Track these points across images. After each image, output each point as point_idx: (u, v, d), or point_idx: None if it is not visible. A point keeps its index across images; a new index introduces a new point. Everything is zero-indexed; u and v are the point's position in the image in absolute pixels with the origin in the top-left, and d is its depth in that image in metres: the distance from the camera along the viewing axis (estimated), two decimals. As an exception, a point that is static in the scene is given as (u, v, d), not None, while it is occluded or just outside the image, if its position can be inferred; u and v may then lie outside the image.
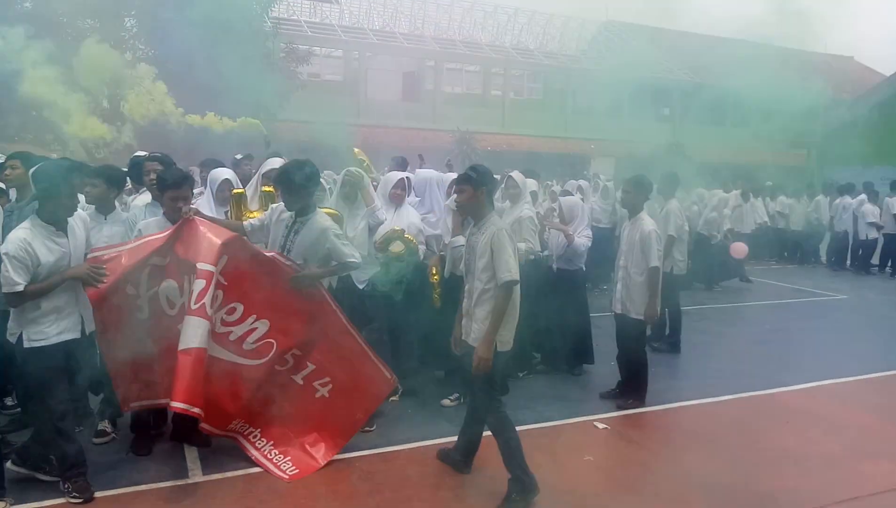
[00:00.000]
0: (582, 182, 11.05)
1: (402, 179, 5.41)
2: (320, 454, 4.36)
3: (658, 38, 33.17)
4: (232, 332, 4.22)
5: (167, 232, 4.10)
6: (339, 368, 4.40)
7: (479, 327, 3.92)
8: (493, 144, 24.98)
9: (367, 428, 4.75)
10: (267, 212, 4.68)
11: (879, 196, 14.48)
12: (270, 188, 4.68)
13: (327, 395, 4.40)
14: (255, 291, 4.24)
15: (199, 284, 3.94)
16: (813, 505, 4.10)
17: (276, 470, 4.23)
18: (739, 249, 10.97)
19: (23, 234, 3.62)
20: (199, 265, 3.98)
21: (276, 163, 4.95)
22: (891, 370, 6.85)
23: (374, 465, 4.41)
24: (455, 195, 5.22)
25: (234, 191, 4.73)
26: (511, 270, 3.82)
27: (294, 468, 4.26)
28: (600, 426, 5.20)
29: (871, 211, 13.88)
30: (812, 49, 29.93)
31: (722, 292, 11.48)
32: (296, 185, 4.28)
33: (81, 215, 4.06)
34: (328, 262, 4.42)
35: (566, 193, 8.38)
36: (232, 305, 4.20)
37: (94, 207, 4.57)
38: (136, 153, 6.15)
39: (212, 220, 4.36)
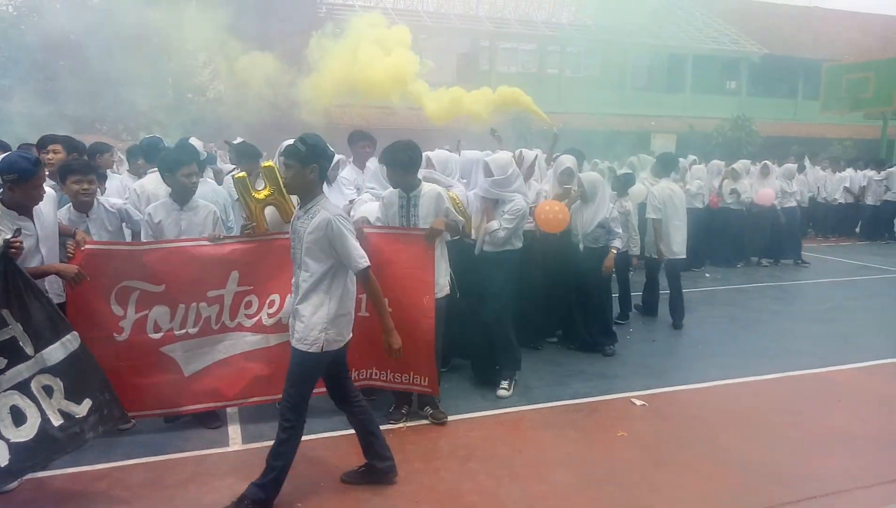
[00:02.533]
0: (633, 158, 10.85)
1: (427, 156, 5.38)
2: (427, 361, 4.56)
3: (725, 8, 31.86)
4: (280, 317, 4.46)
5: (157, 252, 4.30)
6: (393, 293, 4.41)
7: (305, 326, 3.46)
8: (550, 124, 24.60)
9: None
10: (380, 202, 4.84)
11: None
12: (241, 174, 4.52)
13: (391, 309, 4.24)
14: (280, 275, 4.40)
15: (213, 309, 4.37)
16: (858, 485, 3.93)
17: (416, 388, 4.67)
18: (766, 195, 10.55)
19: None
20: (210, 293, 4.36)
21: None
22: (960, 350, 6.46)
23: (406, 437, 4.49)
24: (480, 183, 5.27)
25: (237, 176, 4.54)
26: (360, 260, 3.45)
27: (424, 379, 4.60)
28: (638, 402, 5.12)
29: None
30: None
31: (782, 269, 11.06)
32: (404, 163, 4.46)
33: (50, 195, 4.10)
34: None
35: (615, 170, 8.20)
36: (270, 297, 4.48)
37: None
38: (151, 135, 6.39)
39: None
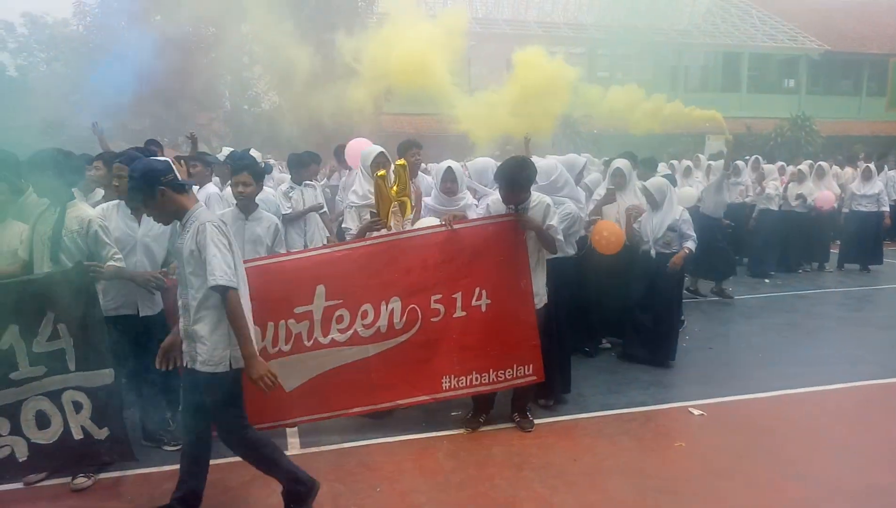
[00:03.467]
0: (688, 162, 10.66)
1: (450, 168, 5.08)
2: (531, 345, 4.63)
3: (782, 5, 30.93)
4: (378, 327, 4.49)
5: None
6: (489, 283, 4.56)
7: (207, 347, 3.26)
8: (600, 127, 24.32)
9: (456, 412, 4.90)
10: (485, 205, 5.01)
11: None
12: (383, 172, 4.74)
13: (490, 300, 4.57)
14: (370, 283, 4.47)
15: (303, 325, 4.36)
16: (930, 501, 3.78)
17: (520, 381, 4.67)
18: (825, 198, 10.14)
19: (106, 205, 4.31)
20: (297, 310, 4.36)
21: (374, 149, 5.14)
22: None
23: (460, 444, 4.52)
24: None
25: (379, 173, 4.69)
26: (217, 273, 3.14)
27: (529, 367, 4.65)
28: (696, 412, 5.02)
29: None
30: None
31: (847, 274, 10.66)
32: (522, 183, 4.50)
33: None
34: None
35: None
36: (363, 308, 4.47)
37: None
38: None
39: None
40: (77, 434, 3.89)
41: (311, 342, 4.42)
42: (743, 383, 5.63)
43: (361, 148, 6.10)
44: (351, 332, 4.45)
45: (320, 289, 4.39)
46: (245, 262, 4.42)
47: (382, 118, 19.78)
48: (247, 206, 4.75)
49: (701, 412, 5.02)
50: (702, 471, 4.13)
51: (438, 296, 4.54)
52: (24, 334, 3.76)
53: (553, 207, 4.68)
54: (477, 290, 4.56)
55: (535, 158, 5.85)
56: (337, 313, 4.43)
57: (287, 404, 4.41)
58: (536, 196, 4.67)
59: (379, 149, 5.09)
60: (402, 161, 4.84)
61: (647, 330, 6.13)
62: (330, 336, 4.43)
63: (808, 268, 10.89)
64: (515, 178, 4.45)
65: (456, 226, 4.53)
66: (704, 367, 6.10)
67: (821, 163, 10.80)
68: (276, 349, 4.35)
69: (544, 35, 28.11)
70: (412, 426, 4.74)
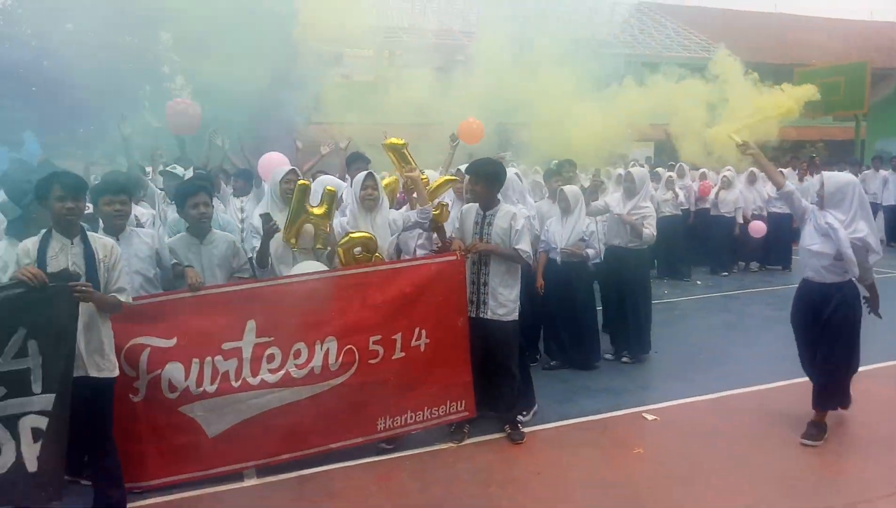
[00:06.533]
0: (620, 170, 10.93)
1: (371, 174, 4.81)
2: (464, 382, 4.67)
3: (690, 17, 32.48)
4: (312, 367, 4.26)
5: (163, 304, 4.09)
6: (429, 323, 4.53)
7: None
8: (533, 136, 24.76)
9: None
10: (451, 216, 5.02)
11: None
12: (305, 183, 4.56)
13: (429, 340, 4.53)
14: (304, 321, 4.27)
15: (231, 363, 4.11)
16: (880, 493, 3.96)
17: (453, 417, 4.69)
18: (757, 228, 10.64)
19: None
20: (225, 345, 4.10)
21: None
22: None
23: (423, 463, 4.44)
24: None
25: (301, 183, 4.52)
26: None
27: (461, 403, 4.68)
28: (649, 417, 5.12)
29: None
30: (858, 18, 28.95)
31: (771, 274, 11.21)
32: (490, 176, 4.61)
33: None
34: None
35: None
36: (296, 347, 4.25)
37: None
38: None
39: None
40: (31, 466, 3.36)
41: (240, 382, 4.14)
42: (689, 385, 5.78)
43: (274, 162, 5.84)
44: (282, 373, 4.20)
45: (251, 324, 4.15)
46: (171, 294, 4.19)
47: (311, 128, 19.41)
48: (198, 229, 4.45)
49: (654, 417, 5.12)
50: (663, 478, 4.20)
51: (377, 337, 4.40)
52: None
53: (519, 215, 4.72)
54: (417, 330, 4.49)
55: None
56: (268, 351, 4.18)
57: (207, 451, 4.13)
58: (506, 206, 4.73)
59: (289, 167, 4.93)
60: (331, 188, 4.59)
61: (570, 335, 6.25)
62: (260, 377, 4.17)
63: (735, 269, 11.38)
64: (482, 169, 4.60)
65: (396, 265, 4.60)
66: (650, 371, 6.25)
67: (753, 169, 11.30)
68: (200, 389, 4.06)
69: (470, 44, 28.44)
70: (372, 448, 4.59)
